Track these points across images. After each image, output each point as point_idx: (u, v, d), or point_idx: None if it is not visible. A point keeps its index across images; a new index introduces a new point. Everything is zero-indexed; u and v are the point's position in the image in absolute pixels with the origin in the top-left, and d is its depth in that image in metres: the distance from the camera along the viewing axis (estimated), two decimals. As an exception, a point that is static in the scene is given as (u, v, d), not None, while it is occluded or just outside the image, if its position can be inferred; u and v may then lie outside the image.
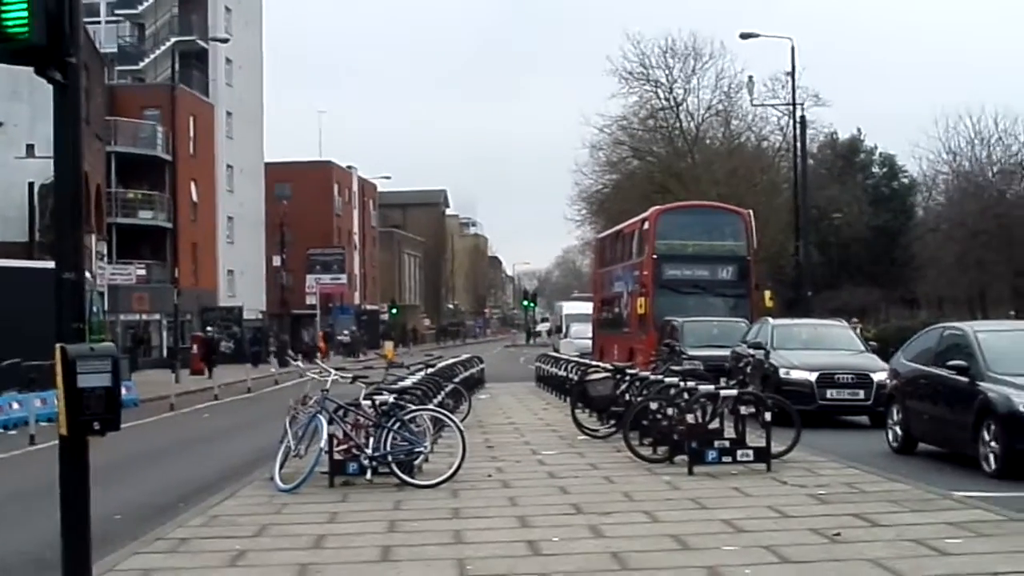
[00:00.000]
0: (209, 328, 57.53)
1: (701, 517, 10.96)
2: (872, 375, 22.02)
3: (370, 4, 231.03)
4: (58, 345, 5.88)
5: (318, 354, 53.60)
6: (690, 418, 14.35)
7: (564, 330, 60.53)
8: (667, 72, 67.59)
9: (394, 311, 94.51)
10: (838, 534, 9.80)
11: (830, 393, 21.78)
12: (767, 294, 36.29)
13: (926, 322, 52.45)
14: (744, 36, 47.12)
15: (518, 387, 35.59)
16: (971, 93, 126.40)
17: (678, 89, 68.25)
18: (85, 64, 44.81)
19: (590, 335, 48.16)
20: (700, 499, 12.01)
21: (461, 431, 13.80)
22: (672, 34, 68.36)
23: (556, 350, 50.51)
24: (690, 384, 15.76)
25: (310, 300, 76.12)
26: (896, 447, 17.39)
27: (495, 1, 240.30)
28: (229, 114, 73.23)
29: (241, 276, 73.37)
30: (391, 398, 13.81)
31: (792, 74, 47.74)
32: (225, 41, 59.27)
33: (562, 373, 29.62)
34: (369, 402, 13.83)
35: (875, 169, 79.08)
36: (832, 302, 58.41)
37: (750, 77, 58.10)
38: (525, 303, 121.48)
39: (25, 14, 5.70)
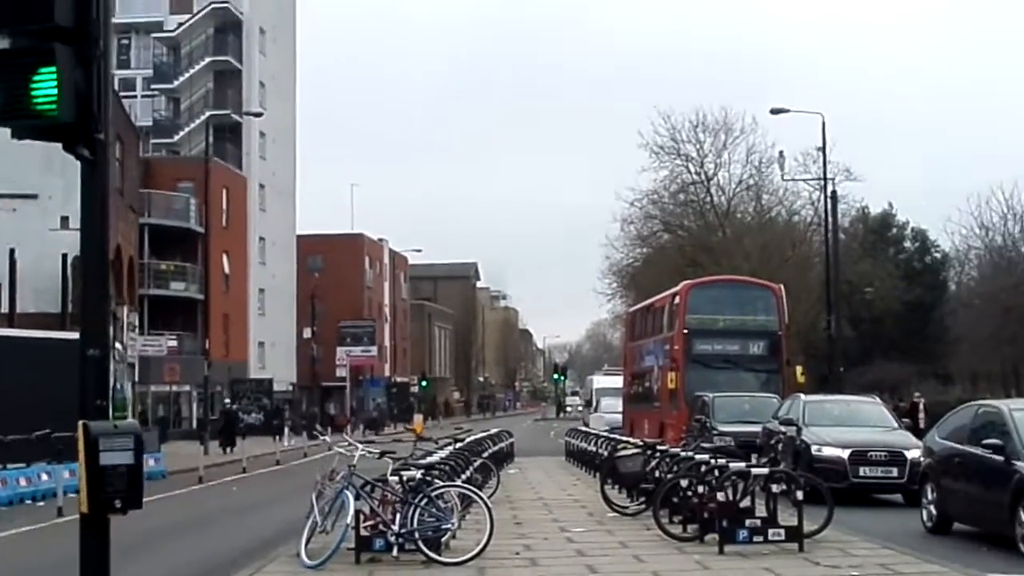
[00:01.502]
0: (227, 401, 57.24)
1: (732, 598, 10.78)
2: (906, 452, 21.73)
3: (403, 80, 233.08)
4: (80, 422, 5.84)
5: (347, 428, 53.45)
6: (720, 496, 14.16)
7: (595, 404, 60.22)
8: (698, 146, 67.93)
9: (424, 384, 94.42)
10: (871, 618, 9.61)
11: (863, 471, 21.48)
12: (798, 369, 35.98)
13: (961, 399, 52.11)
14: (774, 112, 47.27)
15: (548, 461, 35.35)
16: (1004, 168, 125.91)
17: (709, 164, 68.57)
18: (120, 136, 45.53)
19: (620, 409, 47.93)
20: (731, 580, 11.82)
21: (489, 508, 13.65)
22: (703, 109, 68.43)
23: (586, 424, 50.27)
24: (720, 461, 15.57)
25: (340, 372, 76.17)
26: (931, 527, 17.10)
27: (524, 76, 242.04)
28: (262, 187, 73.81)
29: (272, 348, 73.54)
30: (419, 474, 13.69)
31: (823, 149, 47.75)
32: (259, 115, 59.90)
33: (592, 448, 29.40)
34: (396, 478, 13.71)
35: (907, 244, 78.79)
36: (864, 377, 57.97)
37: (780, 152, 58.38)
38: (556, 376, 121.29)
39: (55, 92, 5.72)
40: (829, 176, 48.78)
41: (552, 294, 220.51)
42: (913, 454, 21.74)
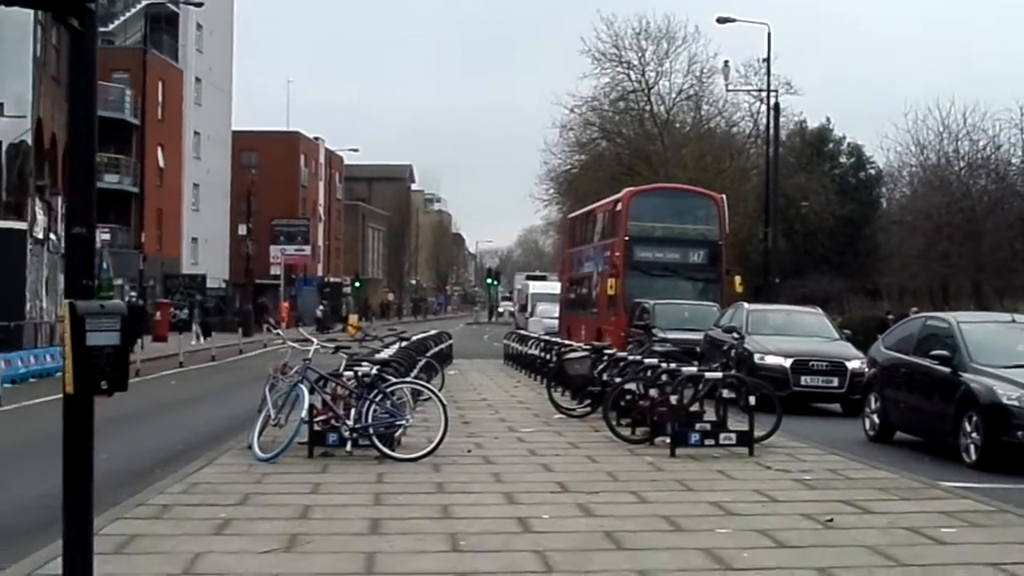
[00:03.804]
0: (132, 295, 53.85)
1: (690, 499, 10.88)
2: (847, 363, 22.09)
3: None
4: (67, 301, 5.69)
5: (282, 324, 53.10)
6: (673, 399, 14.27)
7: (530, 309, 60.41)
8: (639, 54, 67.52)
9: (358, 285, 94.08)
10: (831, 520, 9.74)
11: (804, 380, 21.81)
12: (737, 279, 36.30)
13: (893, 312, 52.86)
14: (721, 20, 47.09)
15: (485, 364, 35.48)
16: (942, 86, 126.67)
17: (650, 72, 68.18)
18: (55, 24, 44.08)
19: (557, 315, 48.14)
20: (686, 481, 11.93)
21: (444, 405, 13.66)
22: (646, 16, 68.03)
23: (519, 328, 50.40)
24: (671, 366, 15.67)
25: (274, 270, 75.65)
26: (873, 435, 17.38)
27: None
28: (198, 80, 72.48)
29: (205, 244, 72.75)
30: (374, 370, 13.64)
31: (767, 60, 47.76)
32: (199, 5, 58.55)
33: (532, 352, 29.55)
34: (351, 373, 13.66)
35: (843, 159, 79.15)
36: (798, 290, 58.42)
37: (725, 62, 58.24)
38: (489, 281, 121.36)
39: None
40: (766, 89, 48.88)
41: (486, 199, 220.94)
42: (853, 364, 22.12)
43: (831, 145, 78.98)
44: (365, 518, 9.70)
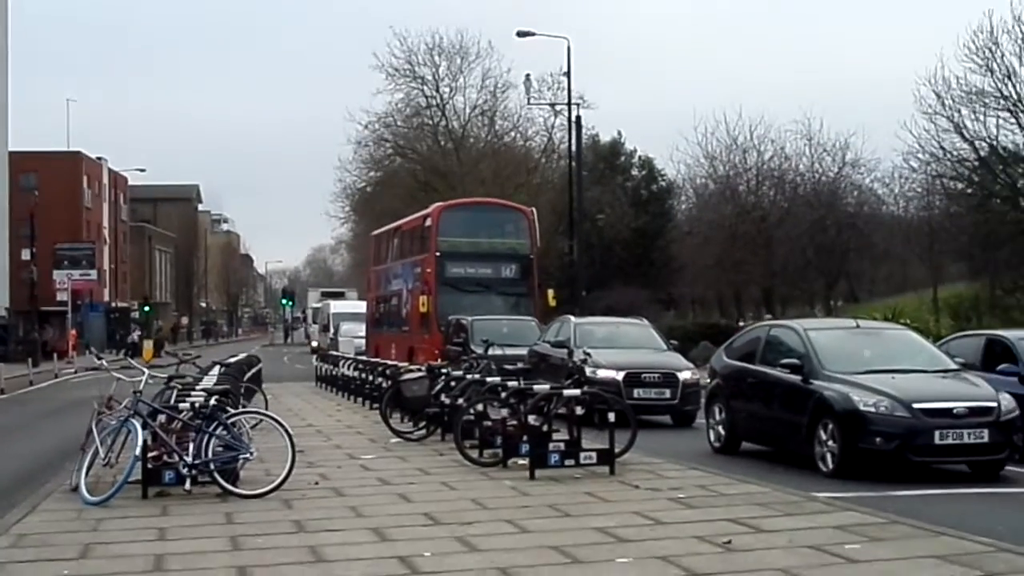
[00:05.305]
0: None
1: (571, 526, 10.24)
2: (678, 374, 21.98)
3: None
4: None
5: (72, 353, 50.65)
6: (532, 419, 13.66)
7: (333, 329, 59.15)
8: (433, 69, 67.14)
9: (147, 309, 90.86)
10: (729, 542, 9.26)
11: (637, 392, 21.48)
12: (550, 293, 36.10)
13: (697, 323, 53.56)
14: (521, 34, 46.93)
15: (297, 387, 34.40)
16: (729, 97, 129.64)
17: (444, 87, 67.87)
18: None
19: (362, 334, 47.16)
20: (558, 505, 11.31)
21: (290, 435, 12.69)
22: (439, 31, 67.71)
23: (317, 349, 49.10)
24: (517, 384, 15.08)
25: (61, 296, 72.30)
26: (719, 447, 17.14)
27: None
28: (-30, 99, 68.94)
29: (-18, 271, 69.15)
30: (213, 399, 12.64)
31: (568, 74, 47.88)
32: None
33: (348, 373, 28.68)
34: (188, 404, 12.64)
35: (635, 172, 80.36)
36: (602, 302, 58.77)
37: (527, 75, 58.37)
38: (284, 301, 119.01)
39: None
40: (567, 103, 49.05)
41: (274, 219, 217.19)
42: (685, 375, 22.02)
43: (623, 158, 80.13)
44: (230, 566, 8.77)
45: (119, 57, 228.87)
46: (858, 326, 16.62)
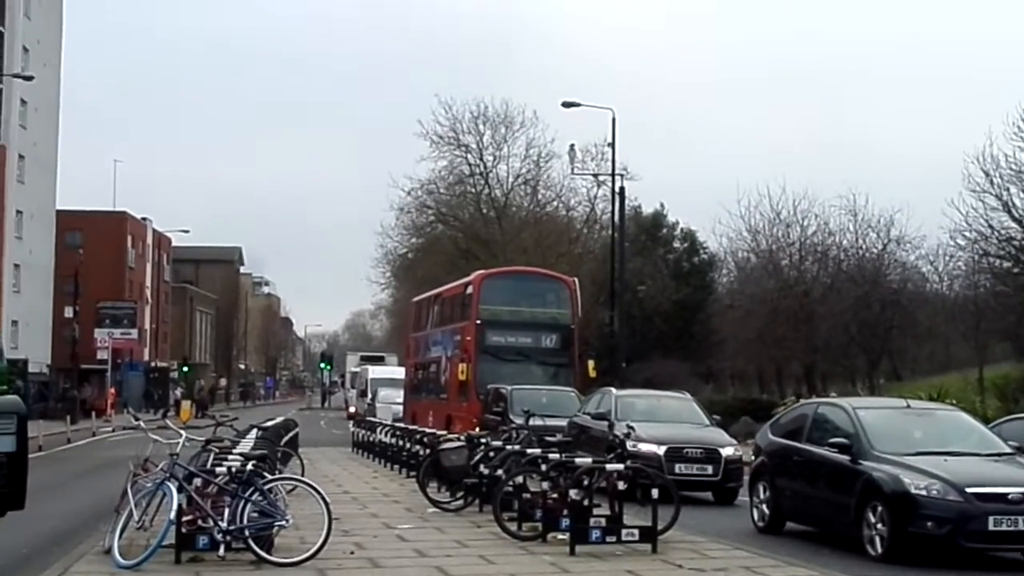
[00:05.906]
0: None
1: (615, 606, 9.97)
2: (721, 450, 21.59)
3: (173, 55, 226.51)
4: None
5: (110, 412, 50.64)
6: (573, 493, 13.36)
7: (370, 394, 58.97)
8: (477, 138, 67.45)
9: (186, 369, 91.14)
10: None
11: (679, 467, 21.06)
12: (591, 364, 35.82)
13: (738, 397, 53.06)
14: (566, 104, 47.04)
15: (333, 452, 34.14)
16: (773, 171, 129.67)
17: (488, 156, 68.16)
18: None
19: (400, 400, 46.92)
20: (600, 584, 11.03)
21: (327, 503, 12.46)
22: (483, 100, 68.16)
23: (355, 414, 48.79)
24: (565, 456, 14.80)
25: (101, 355, 72.56)
26: (763, 526, 16.74)
27: (299, 53, 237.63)
28: (21, 157, 69.59)
29: (26, 327, 69.48)
30: (250, 464, 12.44)
31: (613, 144, 47.78)
32: (29, 79, 56.11)
33: (385, 439, 28.41)
34: (224, 469, 12.44)
35: (676, 244, 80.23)
36: (641, 374, 58.35)
37: (572, 145, 58.54)
38: (322, 364, 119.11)
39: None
40: (611, 173, 49.06)
41: (315, 282, 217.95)
42: (727, 451, 21.64)
43: (665, 230, 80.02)
44: (264, 638, 8.54)
45: (167, 121, 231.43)
46: (908, 406, 16.22)
